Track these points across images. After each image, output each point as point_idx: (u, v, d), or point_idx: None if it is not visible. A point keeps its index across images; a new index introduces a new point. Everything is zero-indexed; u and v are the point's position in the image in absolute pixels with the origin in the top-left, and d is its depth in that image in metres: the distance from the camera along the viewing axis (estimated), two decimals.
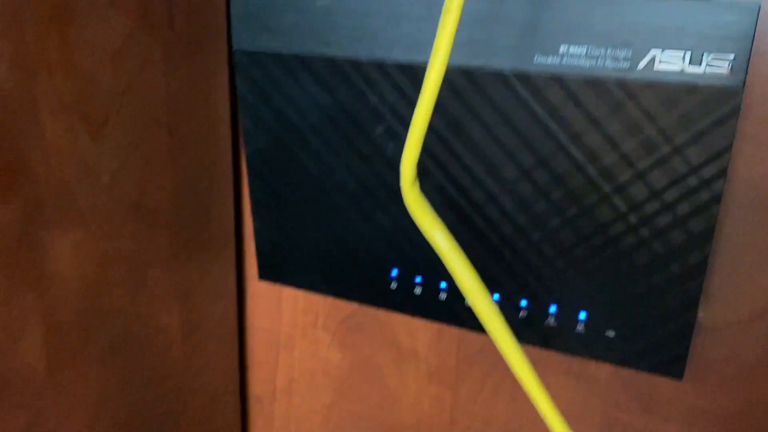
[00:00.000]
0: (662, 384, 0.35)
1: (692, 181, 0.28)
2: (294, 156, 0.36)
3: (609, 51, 0.28)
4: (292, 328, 0.45)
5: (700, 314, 0.33)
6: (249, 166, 0.37)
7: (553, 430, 0.24)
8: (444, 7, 0.21)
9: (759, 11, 0.25)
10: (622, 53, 0.27)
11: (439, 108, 0.32)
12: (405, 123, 0.33)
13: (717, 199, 0.28)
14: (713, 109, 0.27)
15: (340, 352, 0.44)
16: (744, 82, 0.26)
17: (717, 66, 0.26)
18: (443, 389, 0.42)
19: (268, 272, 0.40)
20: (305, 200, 0.37)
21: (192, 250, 0.39)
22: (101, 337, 0.34)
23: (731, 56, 0.26)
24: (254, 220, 0.39)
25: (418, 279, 0.36)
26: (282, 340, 0.46)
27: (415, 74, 0.31)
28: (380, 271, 0.37)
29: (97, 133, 0.31)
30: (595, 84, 0.28)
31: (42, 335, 0.30)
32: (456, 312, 0.36)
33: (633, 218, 0.30)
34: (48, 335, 0.31)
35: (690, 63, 0.27)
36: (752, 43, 0.26)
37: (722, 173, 0.28)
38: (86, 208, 0.32)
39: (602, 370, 0.37)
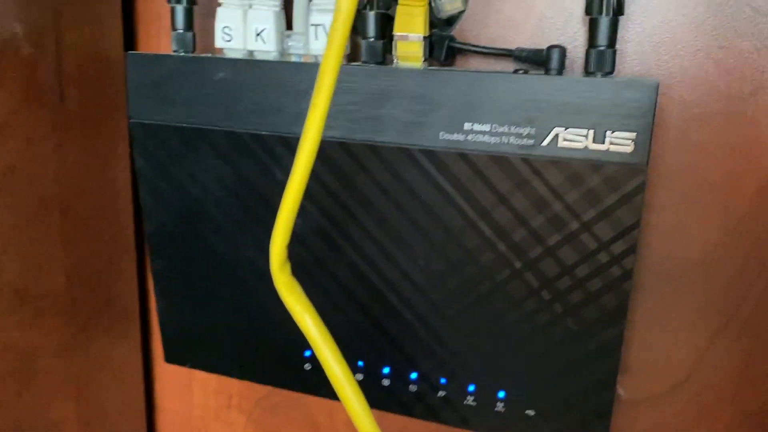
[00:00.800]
0: None
1: (602, 257, 0.28)
2: (197, 233, 0.34)
3: (512, 128, 0.27)
4: (204, 410, 0.42)
5: (620, 390, 0.32)
6: (150, 244, 0.35)
7: None
8: (315, 86, 0.20)
9: (657, 89, 0.25)
10: (525, 131, 0.27)
11: (344, 182, 0.31)
12: (312, 198, 0.31)
13: (628, 275, 0.28)
14: (619, 185, 0.26)
15: None
16: (648, 158, 0.26)
17: (620, 143, 0.26)
18: None
19: (174, 356, 0.38)
20: (211, 280, 0.35)
21: (90, 334, 0.36)
22: None
23: (633, 134, 0.26)
24: (157, 301, 0.36)
25: None
26: (194, 423, 0.43)
27: (319, 151, 0.30)
28: (293, 352, 0.35)
29: None
30: (501, 161, 0.27)
31: None
32: (373, 393, 0.34)
33: (546, 294, 0.29)
34: None
35: (593, 141, 0.26)
36: (653, 120, 0.25)
37: (632, 249, 0.27)
38: None
39: None
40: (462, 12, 0.31)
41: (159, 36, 0.36)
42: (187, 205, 0.34)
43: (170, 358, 0.38)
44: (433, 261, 0.30)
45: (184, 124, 0.32)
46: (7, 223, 0.30)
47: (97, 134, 0.34)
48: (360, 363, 0.34)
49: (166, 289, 0.36)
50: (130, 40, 0.36)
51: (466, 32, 0.31)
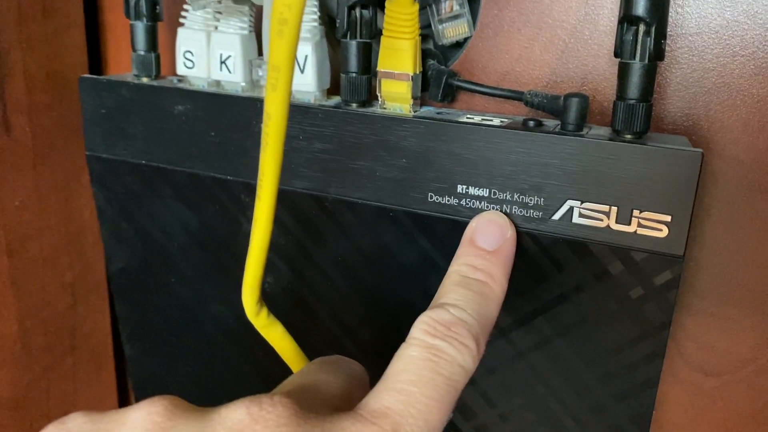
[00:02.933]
0: None
1: (625, 356, 0.22)
2: (160, 279, 0.30)
3: (516, 196, 0.22)
4: None
5: None
6: (113, 286, 0.31)
7: None
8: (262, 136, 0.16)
9: (702, 159, 0.19)
10: (532, 200, 0.21)
11: (316, 239, 0.26)
12: (277, 247, 0.27)
13: (656, 379, 0.22)
14: (650, 275, 0.21)
15: None
16: (685, 247, 0.20)
17: (651, 227, 0.20)
18: None
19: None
20: (178, 326, 0.31)
21: (51, 381, 0.32)
22: None
23: (669, 217, 0.20)
24: (125, 346, 0.33)
25: None
26: None
27: (291, 202, 0.25)
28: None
29: None
30: None
31: None
32: None
33: (556, 405, 0.24)
34: None
35: (617, 220, 0.21)
36: (695, 198, 0.20)
37: (659, 353, 0.22)
38: None
39: None
40: (468, 38, 0.25)
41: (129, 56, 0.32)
42: (149, 248, 0.30)
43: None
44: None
45: (143, 161, 0.28)
46: None
47: (54, 166, 0.30)
48: None
49: (133, 334, 0.32)
50: (95, 56, 0.32)
51: (471, 63, 0.25)
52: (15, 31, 0.27)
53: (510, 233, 0.21)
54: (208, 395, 0.32)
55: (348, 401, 0.18)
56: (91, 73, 0.33)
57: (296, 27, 0.15)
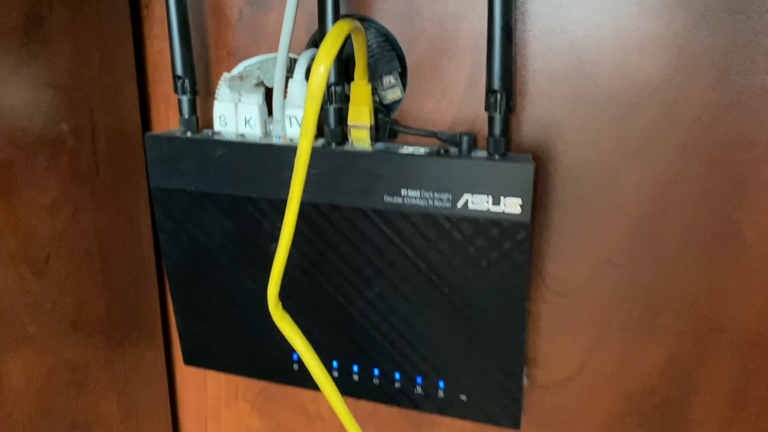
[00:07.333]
0: None
1: (505, 284, 0.38)
2: (205, 268, 0.44)
3: (435, 194, 0.37)
4: (217, 400, 0.53)
5: (525, 380, 0.42)
6: (168, 276, 0.45)
7: None
8: (294, 166, 0.30)
9: (535, 168, 0.35)
10: (444, 196, 0.37)
11: (316, 231, 0.40)
12: (294, 242, 0.41)
13: (524, 296, 0.38)
14: (511, 235, 0.36)
15: (258, 419, 0.52)
16: (531, 216, 0.36)
17: (511, 206, 0.36)
18: None
19: (191, 360, 0.48)
20: (217, 302, 0.45)
21: (125, 348, 0.46)
22: (51, 430, 0.41)
23: (520, 200, 0.36)
24: (176, 318, 0.47)
25: None
26: (209, 411, 0.53)
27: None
28: (283, 356, 0.45)
29: (40, 272, 0.39)
30: (429, 217, 0.37)
31: None
32: (345, 386, 0.44)
33: (467, 312, 0.39)
34: None
35: (493, 204, 0.36)
36: (534, 189, 0.35)
37: (525, 279, 0.37)
38: (34, 332, 0.39)
39: (467, 424, 0.46)
40: (401, 100, 0.40)
41: (168, 114, 0.46)
42: (196, 248, 0.44)
43: (188, 362, 0.49)
44: (385, 288, 0.41)
45: (193, 189, 0.42)
46: (64, 271, 0.40)
47: (124, 196, 0.44)
48: (335, 363, 0.44)
49: (183, 310, 0.46)
50: (145, 116, 0.46)
51: (404, 115, 0.41)
52: (100, 109, 0.41)
53: None
54: (241, 348, 0.46)
55: None
56: (142, 127, 0.47)
57: (318, 101, 0.30)
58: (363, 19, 0.41)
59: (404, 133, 0.40)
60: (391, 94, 0.40)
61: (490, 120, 0.36)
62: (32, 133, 0.37)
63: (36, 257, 0.38)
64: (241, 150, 0.40)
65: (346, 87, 0.39)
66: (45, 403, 0.40)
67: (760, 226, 0.35)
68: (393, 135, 0.41)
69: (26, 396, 0.39)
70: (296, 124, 0.39)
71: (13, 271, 0.37)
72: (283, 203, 0.40)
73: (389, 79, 0.40)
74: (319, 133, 0.41)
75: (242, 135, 0.41)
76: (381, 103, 0.40)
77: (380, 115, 0.40)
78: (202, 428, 0.54)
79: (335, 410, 0.36)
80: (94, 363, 0.43)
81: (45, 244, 0.39)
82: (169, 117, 0.47)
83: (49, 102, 0.37)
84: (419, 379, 0.43)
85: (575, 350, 0.42)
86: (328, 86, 0.38)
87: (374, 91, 0.40)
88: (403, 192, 0.38)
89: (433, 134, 0.39)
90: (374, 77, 0.40)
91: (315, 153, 0.39)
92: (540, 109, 0.38)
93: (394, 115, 0.41)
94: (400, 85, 0.40)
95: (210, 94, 0.42)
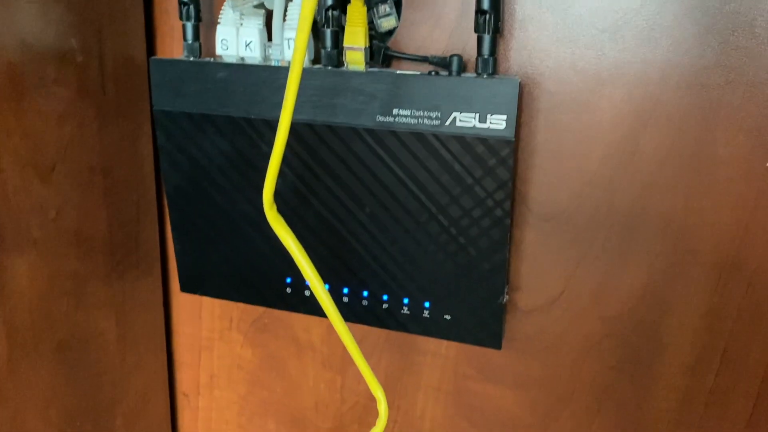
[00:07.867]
0: (494, 356, 0.46)
1: (489, 202, 0.40)
2: (204, 191, 0.46)
3: (425, 113, 0.39)
4: (210, 332, 0.54)
5: (506, 299, 0.44)
6: (168, 199, 0.47)
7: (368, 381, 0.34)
8: (287, 82, 0.32)
9: (519, 84, 0.37)
10: (434, 114, 0.39)
11: (310, 151, 0.42)
12: (288, 164, 0.43)
13: (507, 214, 0.40)
14: (497, 152, 0.38)
15: (251, 350, 0.54)
16: (515, 133, 0.38)
17: (497, 123, 0.38)
18: (334, 374, 0.52)
19: (188, 285, 0.50)
20: (215, 226, 0.47)
21: (124, 268, 0.48)
22: (51, 337, 0.43)
23: (505, 116, 0.37)
24: (174, 243, 0.48)
25: (306, 284, 0.46)
26: (203, 343, 0.55)
27: (292, 129, 0.42)
28: (277, 279, 0.47)
29: (46, 178, 0.40)
30: (418, 135, 0.39)
31: (5, 337, 0.39)
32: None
33: (453, 230, 0.41)
34: (9, 336, 0.39)
35: (479, 121, 0.38)
36: (519, 106, 0.37)
37: (508, 196, 0.39)
38: (38, 236, 0.40)
39: (451, 349, 0.47)
40: (396, 28, 0.42)
41: (172, 43, 0.48)
42: (196, 171, 0.46)
43: (185, 288, 0.50)
44: (375, 208, 0.42)
45: (194, 111, 0.44)
46: (68, 182, 0.42)
47: (128, 117, 0.46)
48: (326, 286, 0.46)
49: (181, 234, 0.48)
50: (150, 46, 0.48)
51: (398, 42, 0.42)
52: (109, 31, 0.43)
53: None
54: (236, 272, 0.48)
55: None
56: (147, 56, 0.48)
57: (308, 22, 0.32)
58: None
59: (398, 57, 0.42)
60: (386, 23, 0.42)
61: (479, 40, 0.38)
62: (43, 42, 0.38)
63: (42, 164, 0.40)
64: (241, 72, 0.42)
65: (343, 18, 0.41)
66: (45, 307, 0.42)
67: (734, 147, 0.37)
68: (387, 61, 0.42)
69: (29, 296, 0.40)
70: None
71: (21, 173, 0.39)
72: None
73: (384, 8, 0.42)
74: (317, 59, 0.43)
75: (242, 59, 0.43)
76: (376, 31, 0.42)
77: (375, 41, 0.42)
78: (196, 359, 0.56)
79: (325, 310, 0.38)
80: (94, 278, 0.45)
81: (51, 153, 0.40)
82: (173, 49, 0.49)
83: (59, 16, 0.39)
84: (406, 300, 0.44)
85: (556, 274, 0.44)
86: (326, 9, 0.40)
87: (370, 20, 0.42)
88: (395, 111, 0.39)
89: (425, 59, 0.41)
90: (370, 6, 0.42)
91: (311, 72, 0.40)
92: (525, 35, 0.40)
93: (389, 43, 0.43)
94: (395, 13, 0.42)
95: (213, 24, 0.44)
